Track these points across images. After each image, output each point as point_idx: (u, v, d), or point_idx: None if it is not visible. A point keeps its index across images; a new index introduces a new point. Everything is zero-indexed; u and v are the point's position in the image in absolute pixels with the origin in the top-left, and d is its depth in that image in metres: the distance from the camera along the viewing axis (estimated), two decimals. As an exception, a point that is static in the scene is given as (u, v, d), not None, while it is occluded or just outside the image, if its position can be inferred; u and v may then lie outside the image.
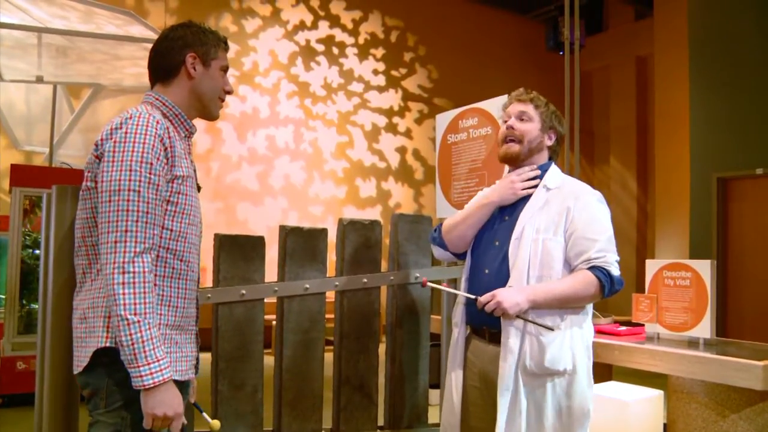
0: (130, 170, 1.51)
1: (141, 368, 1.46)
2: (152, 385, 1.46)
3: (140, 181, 1.51)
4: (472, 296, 1.93)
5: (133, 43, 4.88)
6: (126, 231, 1.48)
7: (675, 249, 8.23)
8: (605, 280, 1.92)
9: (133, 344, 1.45)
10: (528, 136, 2.09)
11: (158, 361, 1.48)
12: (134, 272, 1.47)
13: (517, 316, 1.89)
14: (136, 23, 4.89)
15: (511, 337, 1.92)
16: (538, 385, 1.92)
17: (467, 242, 2.16)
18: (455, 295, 2.88)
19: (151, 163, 1.54)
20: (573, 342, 1.95)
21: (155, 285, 1.58)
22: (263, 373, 2.51)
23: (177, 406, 1.51)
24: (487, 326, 2.03)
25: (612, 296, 1.99)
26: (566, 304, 1.93)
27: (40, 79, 5.29)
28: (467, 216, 2.14)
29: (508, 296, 1.86)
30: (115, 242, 1.48)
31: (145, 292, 1.48)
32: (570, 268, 1.98)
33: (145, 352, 1.46)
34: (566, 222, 1.97)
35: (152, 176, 1.53)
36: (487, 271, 2.04)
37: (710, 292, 2.75)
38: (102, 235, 1.50)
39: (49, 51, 5.11)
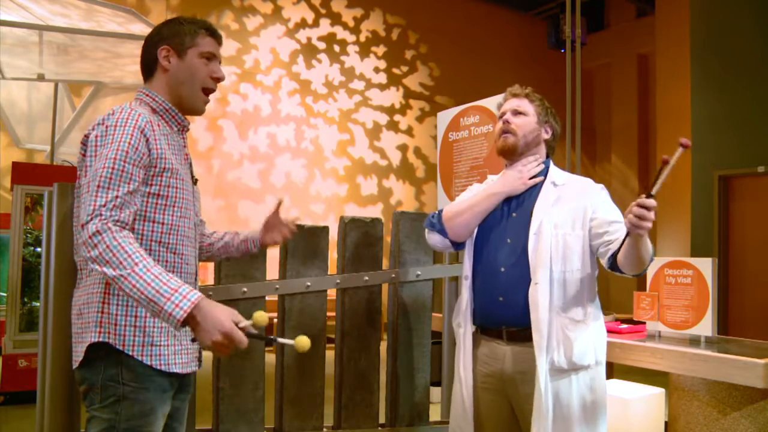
0: (106, 159, 1.51)
1: (165, 308, 1.37)
2: (185, 316, 1.37)
3: (113, 168, 1.50)
4: (653, 194, 1.62)
5: (134, 41, 4.87)
6: (92, 212, 1.46)
7: (676, 247, 8.21)
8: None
9: (142, 293, 1.38)
10: (523, 129, 2.09)
11: (175, 291, 1.39)
12: (101, 239, 1.42)
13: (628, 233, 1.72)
14: (137, 21, 4.89)
15: (542, 334, 1.90)
16: (563, 380, 1.92)
17: (470, 231, 2.11)
18: (456, 294, 2.89)
19: (127, 152, 1.52)
20: (595, 336, 1.96)
21: None
22: (264, 370, 2.51)
23: (222, 324, 1.38)
24: (506, 325, 2.00)
25: (647, 270, 1.92)
26: (644, 256, 1.78)
27: (41, 77, 5.29)
28: (474, 204, 2.08)
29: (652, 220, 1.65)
30: (82, 225, 1.46)
31: (121, 246, 1.41)
32: (595, 256, 1.98)
33: (158, 291, 1.38)
34: (584, 217, 1.97)
35: (126, 164, 1.52)
36: (503, 269, 2.01)
37: (711, 290, 2.75)
38: (75, 221, 1.52)
39: (51, 49, 5.11)
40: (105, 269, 1.41)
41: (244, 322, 1.42)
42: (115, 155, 1.51)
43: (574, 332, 1.91)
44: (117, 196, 1.49)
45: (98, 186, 1.49)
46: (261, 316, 1.45)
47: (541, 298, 1.91)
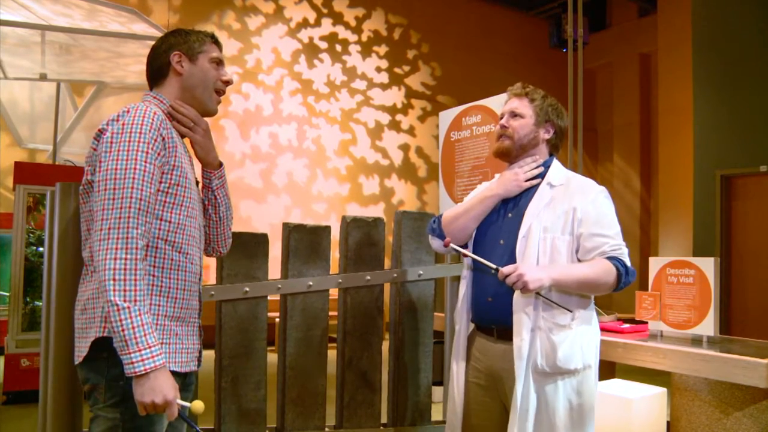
0: (126, 159, 1.53)
1: (132, 355, 1.44)
2: (143, 372, 1.45)
3: (135, 169, 1.53)
4: (493, 266, 1.89)
5: (136, 41, 4.88)
6: (119, 218, 1.49)
7: (678, 246, 8.21)
8: (622, 270, 1.92)
9: (123, 330, 1.44)
10: (519, 132, 2.08)
11: (149, 347, 1.46)
12: (126, 258, 1.47)
13: (537, 293, 1.88)
14: (139, 21, 4.89)
15: (523, 334, 1.91)
16: (548, 383, 1.91)
17: (468, 234, 2.14)
18: (457, 294, 2.88)
19: (147, 152, 1.55)
20: (583, 340, 1.95)
21: (153, 276, 1.59)
22: (266, 370, 2.51)
23: (167, 392, 1.48)
24: (495, 324, 2.02)
25: (624, 288, 1.97)
26: (585, 288, 1.93)
27: (43, 77, 5.30)
28: (469, 208, 2.11)
29: (531, 271, 1.83)
30: (109, 229, 1.48)
31: (136, 279, 1.47)
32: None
33: (135, 338, 1.45)
34: (573, 221, 1.96)
35: (147, 164, 1.55)
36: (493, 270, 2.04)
37: (714, 290, 2.75)
38: (96, 223, 1.51)
39: (53, 48, 5.12)
40: (108, 285, 1.45)
41: (179, 401, 1.53)
42: (136, 156, 1.54)
43: (559, 336, 1.91)
44: (141, 198, 1.52)
45: (123, 188, 1.50)
46: (198, 406, 1.54)
47: (525, 302, 1.93)
